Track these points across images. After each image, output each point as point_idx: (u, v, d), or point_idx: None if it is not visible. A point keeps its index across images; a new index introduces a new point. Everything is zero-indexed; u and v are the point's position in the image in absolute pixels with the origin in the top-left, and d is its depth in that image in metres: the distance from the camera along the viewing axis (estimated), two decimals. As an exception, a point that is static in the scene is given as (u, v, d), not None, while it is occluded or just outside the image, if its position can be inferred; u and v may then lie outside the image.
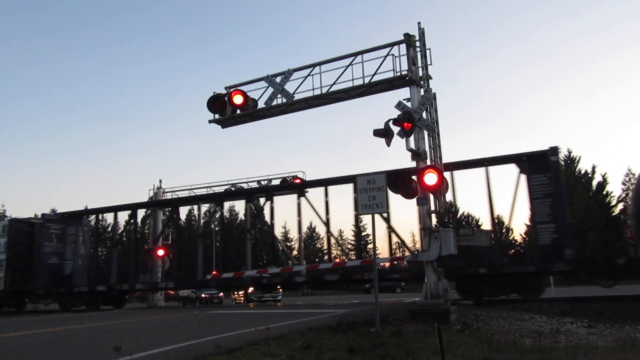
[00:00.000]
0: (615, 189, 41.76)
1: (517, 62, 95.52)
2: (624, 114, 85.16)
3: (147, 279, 22.71)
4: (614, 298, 14.64)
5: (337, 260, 29.30)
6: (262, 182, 24.29)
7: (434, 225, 11.77)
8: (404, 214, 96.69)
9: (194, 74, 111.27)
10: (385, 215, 17.01)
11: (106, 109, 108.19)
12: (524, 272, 14.95)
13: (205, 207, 25.87)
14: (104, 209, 25.46)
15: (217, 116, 14.04)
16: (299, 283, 21.58)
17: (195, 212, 22.94)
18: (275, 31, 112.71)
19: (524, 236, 46.15)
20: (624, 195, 40.04)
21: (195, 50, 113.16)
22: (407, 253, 22.16)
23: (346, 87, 12.65)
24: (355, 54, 12.45)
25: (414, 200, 11.71)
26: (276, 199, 20.65)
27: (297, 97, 13.19)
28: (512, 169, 15.59)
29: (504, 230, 33.69)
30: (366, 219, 42.07)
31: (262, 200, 21.32)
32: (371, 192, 9.54)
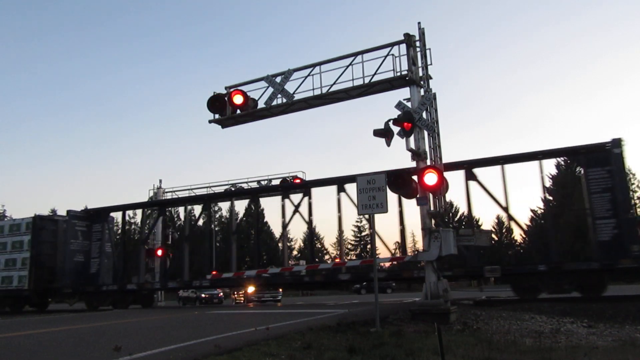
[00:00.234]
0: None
1: (517, 62, 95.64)
2: (624, 114, 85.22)
3: (148, 279, 22.63)
4: (614, 298, 14.62)
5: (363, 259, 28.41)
6: (262, 182, 24.33)
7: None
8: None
9: (194, 74, 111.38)
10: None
11: (106, 109, 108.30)
12: (587, 269, 14.48)
13: (224, 205, 25.55)
14: (131, 205, 24.97)
15: (217, 116, 14.04)
16: (343, 281, 20.93)
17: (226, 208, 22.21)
18: (275, 31, 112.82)
19: (524, 236, 46.15)
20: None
21: (195, 50, 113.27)
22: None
23: (346, 87, 12.65)
24: (355, 54, 12.44)
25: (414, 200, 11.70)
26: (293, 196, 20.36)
27: (297, 97, 13.19)
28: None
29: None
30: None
31: (298, 196, 20.18)
32: (371, 192, 9.55)
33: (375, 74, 12.13)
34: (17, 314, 21.48)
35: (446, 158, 12.14)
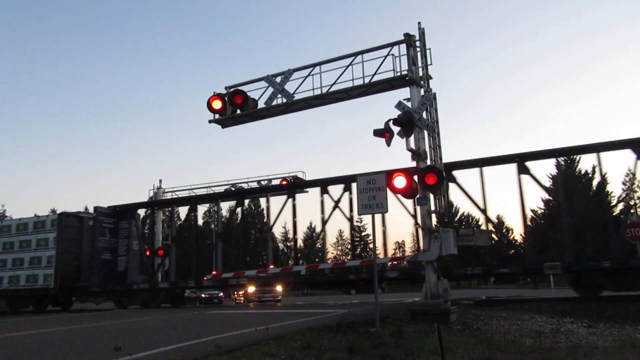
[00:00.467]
0: (615, 189, 41.66)
1: (517, 62, 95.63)
2: (624, 114, 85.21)
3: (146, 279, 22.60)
4: (614, 298, 14.62)
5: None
6: (262, 182, 24.32)
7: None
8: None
9: (194, 74, 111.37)
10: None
11: (106, 109, 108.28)
12: None
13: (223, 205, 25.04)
14: (160, 202, 24.59)
15: (217, 116, 14.04)
16: (391, 278, 20.35)
17: (263, 204, 21.46)
18: (275, 31, 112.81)
19: (523, 236, 46.19)
20: (624, 195, 40.00)
21: (195, 50, 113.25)
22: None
23: (346, 87, 12.65)
24: (355, 54, 12.44)
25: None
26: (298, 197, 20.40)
27: (297, 97, 13.19)
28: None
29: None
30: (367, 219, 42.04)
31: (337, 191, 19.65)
32: (371, 192, 9.55)
33: (375, 74, 12.15)
34: (41, 313, 21.02)
35: (446, 158, 12.17)
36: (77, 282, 21.88)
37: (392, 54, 11.90)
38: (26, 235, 22.49)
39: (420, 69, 11.97)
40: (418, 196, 11.40)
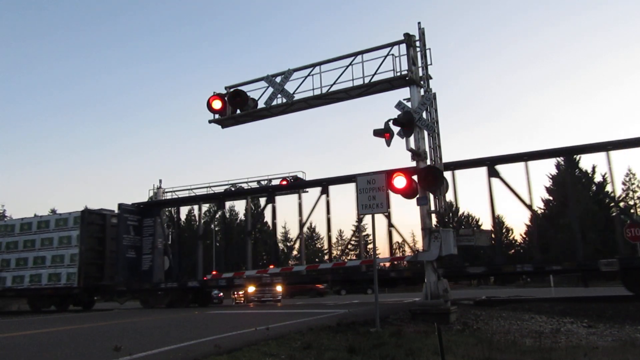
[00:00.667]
0: (615, 189, 41.60)
1: (517, 62, 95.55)
2: (624, 114, 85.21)
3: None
4: (614, 298, 14.63)
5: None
6: (262, 182, 24.30)
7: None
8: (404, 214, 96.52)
9: (194, 74, 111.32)
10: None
11: (106, 109, 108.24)
12: None
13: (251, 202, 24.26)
14: (185, 199, 23.99)
15: (217, 116, 14.04)
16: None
17: (297, 200, 20.36)
18: (275, 31, 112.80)
19: (524, 236, 46.23)
20: (624, 195, 40.02)
21: (195, 50, 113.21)
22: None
23: (346, 87, 12.65)
24: (355, 54, 12.45)
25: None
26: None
27: (297, 97, 13.20)
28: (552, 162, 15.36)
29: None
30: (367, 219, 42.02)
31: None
32: (371, 192, 9.55)
33: (375, 74, 12.14)
34: (63, 312, 20.76)
35: (446, 158, 12.17)
36: (101, 281, 21.46)
37: (392, 54, 11.91)
38: (48, 232, 22.03)
39: (420, 69, 11.98)
40: (418, 196, 11.40)
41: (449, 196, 16.35)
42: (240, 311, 15.78)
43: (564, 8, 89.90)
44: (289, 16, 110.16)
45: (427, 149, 11.45)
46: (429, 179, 10.98)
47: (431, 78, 12.04)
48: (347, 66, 12.49)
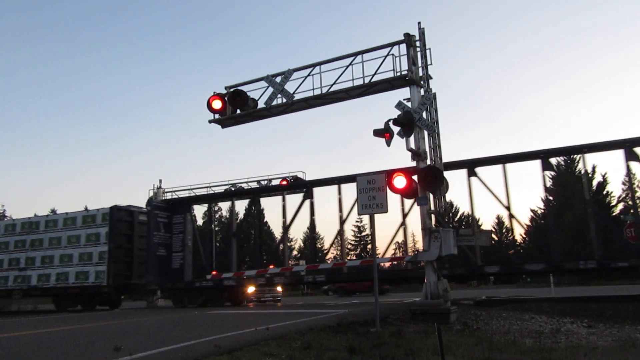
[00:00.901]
0: (615, 189, 41.68)
1: (517, 62, 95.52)
2: (624, 114, 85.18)
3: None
4: (614, 298, 14.63)
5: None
6: (262, 182, 24.27)
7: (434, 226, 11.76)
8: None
9: (194, 74, 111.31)
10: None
11: (106, 109, 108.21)
12: None
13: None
14: (218, 195, 23.15)
15: (217, 116, 14.04)
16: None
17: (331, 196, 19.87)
18: (275, 31, 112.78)
19: (524, 236, 46.21)
20: (624, 195, 40.04)
21: (195, 50, 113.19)
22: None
23: (346, 87, 12.65)
24: (355, 54, 12.44)
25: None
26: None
27: (297, 97, 13.19)
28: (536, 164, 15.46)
29: None
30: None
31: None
32: (371, 192, 9.55)
33: (375, 74, 12.14)
34: (90, 311, 20.34)
35: (446, 158, 12.17)
36: (130, 280, 20.91)
37: (392, 54, 11.91)
38: (74, 230, 21.52)
39: (420, 69, 11.98)
40: (418, 196, 11.40)
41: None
42: (240, 311, 15.78)
43: (564, 8, 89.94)
44: (289, 16, 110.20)
45: (427, 149, 11.45)
46: (429, 179, 10.98)
47: (431, 78, 12.05)
48: (347, 66, 12.49)
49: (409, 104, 11.33)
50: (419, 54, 11.99)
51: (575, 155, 36.28)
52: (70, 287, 21.04)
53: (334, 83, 12.71)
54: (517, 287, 37.66)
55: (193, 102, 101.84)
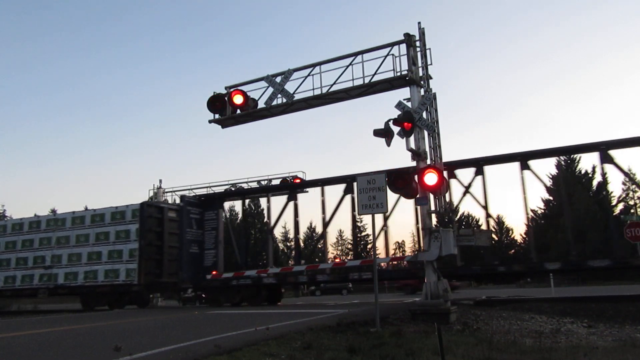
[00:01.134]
0: (615, 189, 41.67)
1: (517, 62, 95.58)
2: (623, 113, 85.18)
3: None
4: (614, 298, 14.62)
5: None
6: (262, 182, 24.28)
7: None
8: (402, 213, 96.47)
9: (194, 74, 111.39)
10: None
11: (106, 109, 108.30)
12: None
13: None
14: (253, 190, 22.77)
15: (217, 116, 14.04)
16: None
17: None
18: (275, 31, 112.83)
19: (524, 236, 46.19)
20: (624, 195, 40.03)
21: (195, 50, 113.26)
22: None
23: (346, 87, 12.65)
24: (356, 54, 12.45)
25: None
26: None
27: (297, 97, 13.20)
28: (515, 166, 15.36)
29: None
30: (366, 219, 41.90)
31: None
32: (371, 192, 9.54)
33: (375, 74, 12.15)
34: (120, 309, 19.98)
35: (446, 158, 12.17)
36: (160, 278, 20.36)
37: (392, 54, 11.92)
38: (103, 227, 20.93)
39: (420, 69, 11.98)
40: (418, 196, 11.40)
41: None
42: (241, 311, 15.77)
43: (564, 8, 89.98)
44: (289, 16, 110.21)
45: (427, 149, 11.45)
46: (428, 179, 10.96)
47: (431, 78, 12.05)
48: (347, 66, 12.49)
49: (409, 104, 11.33)
50: (419, 54, 11.99)
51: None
52: (100, 285, 20.46)
53: (334, 83, 12.73)
54: (517, 287, 37.65)
55: (193, 102, 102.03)
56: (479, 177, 16.37)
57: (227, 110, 13.90)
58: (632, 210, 35.29)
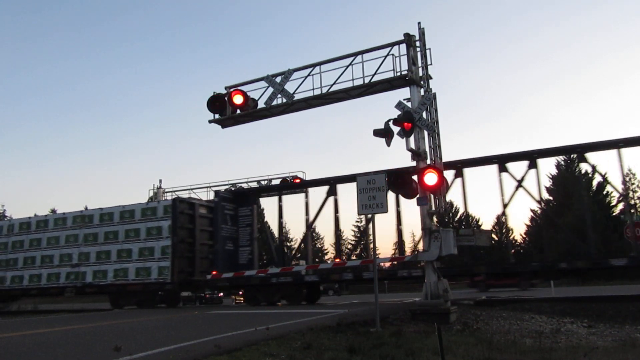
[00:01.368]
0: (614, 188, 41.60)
1: (517, 62, 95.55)
2: (624, 114, 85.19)
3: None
4: (614, 298, 14.63)
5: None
6: (262, 182, 24.29)
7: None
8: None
9: (194, 74, 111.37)
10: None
11: (106, 109, 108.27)
12: None
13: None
14: (289, 185, 22.04)
15: (217, 116, 14.05)
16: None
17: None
18: (275, 31, 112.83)
19: (524, 236, 46.21)
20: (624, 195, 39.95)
21: (195, 50, 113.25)
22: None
23: (346, 87, 12.66)
24: (355, 54, 12.46)
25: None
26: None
27: (297, 97, 13.21)
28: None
29: None
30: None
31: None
32: (371, 192, 9.55)
33: (375, 74, 12.16)
34: (150, 308, 19.39)
35: (446, 158, 12.18)
36: (193, 276, 19.78)
37: (392, 54, 11.93)
38: (133, 223, 20.26)
39: (420, 69, 11.99)
40: (418, 196, 11.40)
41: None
42: (240, 311, 15.77)
43: (564, 8, 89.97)
44: (289, 16, 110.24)
45: (427, 149, 11.46)
46: (428, 179, 10.97)
47: (431, 78, 12.06)
48: (347, 66, 12.50)
49: (409, 104, 11.34)
50: (419, 54, 11.99)
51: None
52: (130, 283, 19.84)
53: (334, 83, 12.74)
54: (517, 287, 37.55)
55: (193, 102, 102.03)
56: (503, 174, 16.26)
57: (227, 110, 13.91)
58: (632, 210, 35.26)
